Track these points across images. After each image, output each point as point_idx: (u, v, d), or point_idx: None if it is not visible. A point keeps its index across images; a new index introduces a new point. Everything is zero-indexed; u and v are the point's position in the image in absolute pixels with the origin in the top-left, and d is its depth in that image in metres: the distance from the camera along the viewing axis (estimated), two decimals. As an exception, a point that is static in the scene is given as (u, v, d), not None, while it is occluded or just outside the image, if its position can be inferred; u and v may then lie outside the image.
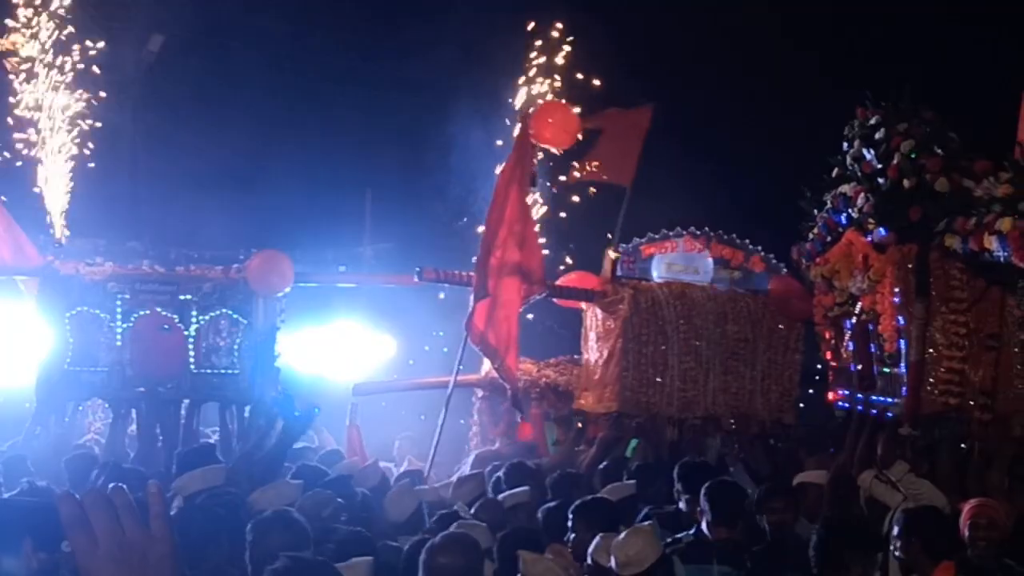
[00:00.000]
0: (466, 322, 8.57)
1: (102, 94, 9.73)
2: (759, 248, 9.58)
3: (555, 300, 9.75)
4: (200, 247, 10.58)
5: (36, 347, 9.16)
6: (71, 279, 9.09)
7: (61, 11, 9.71)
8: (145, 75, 10.08)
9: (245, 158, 13.65)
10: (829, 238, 7.88)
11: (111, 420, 9.19)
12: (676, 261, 9.41)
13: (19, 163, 9.88)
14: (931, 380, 7.13)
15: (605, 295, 9.03)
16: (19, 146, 9.83)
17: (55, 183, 9.63)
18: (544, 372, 10.44)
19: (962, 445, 7.39)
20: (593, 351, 9.30)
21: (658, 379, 8.92)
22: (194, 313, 9.27)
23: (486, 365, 10.58)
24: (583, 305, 9.52)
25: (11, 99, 9.57)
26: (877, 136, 7.29)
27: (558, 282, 9.74)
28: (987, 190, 6.68)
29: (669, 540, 5.51)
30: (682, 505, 6.37)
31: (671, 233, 9.46)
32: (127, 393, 9.05)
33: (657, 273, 9.35)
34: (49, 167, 9.68)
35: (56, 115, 9.68)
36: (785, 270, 9.30)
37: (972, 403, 7.10)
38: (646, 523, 5.24)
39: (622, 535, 4.82)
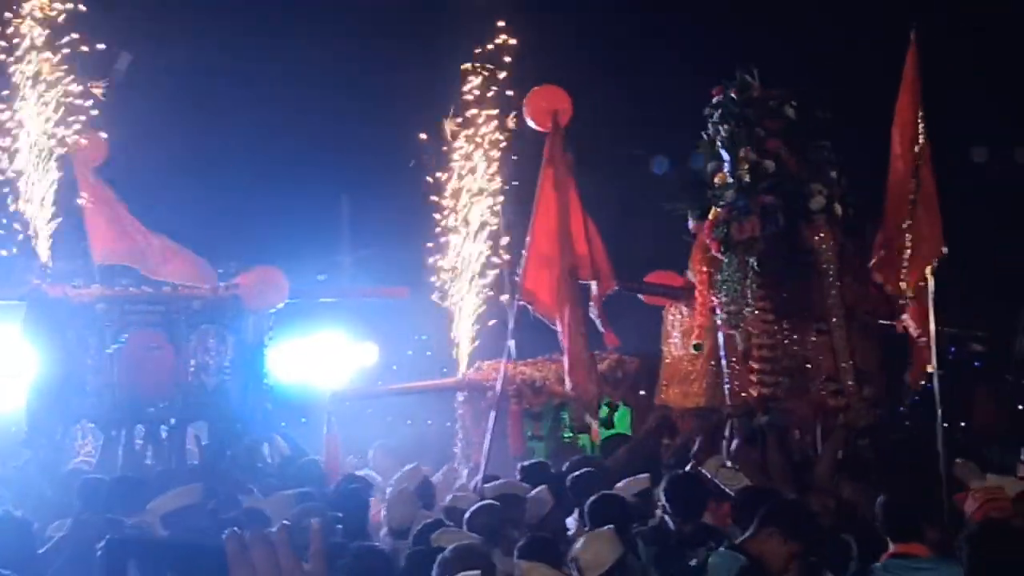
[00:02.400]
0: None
1: (81, 117, 9.65)
2: None
3: (641, 296, 9.94)
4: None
5: (24, 371, 9.14)
6: (59, 302, 9.07)
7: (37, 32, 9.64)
8: (114, 92, 9.97)
9: (217, 167, 13.57)
10: None
11: (102, 442, 9.17)
12: None
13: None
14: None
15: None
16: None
17: (38, 205, 9.56)
18: (520, 369, 10.59)
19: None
20: (678, 347, 9.47)
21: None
22: (183, 331, 9.28)
23: (463, 368, 10.80)
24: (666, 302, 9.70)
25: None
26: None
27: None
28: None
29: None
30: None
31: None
32: (117, 415, 9.07)
33: None
34: (32, 188, 9.60)
35: (37, 136, 9.61)
36: None
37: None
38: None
39: (580, 540, 5.04)
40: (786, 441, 7.58)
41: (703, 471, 6.76)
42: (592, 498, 5.93)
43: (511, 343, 9.35)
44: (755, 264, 7.69)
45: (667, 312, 9.67)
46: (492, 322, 10.90)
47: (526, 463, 7.70)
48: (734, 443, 7.42)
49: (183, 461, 9.26)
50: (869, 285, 7.89)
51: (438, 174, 10.68)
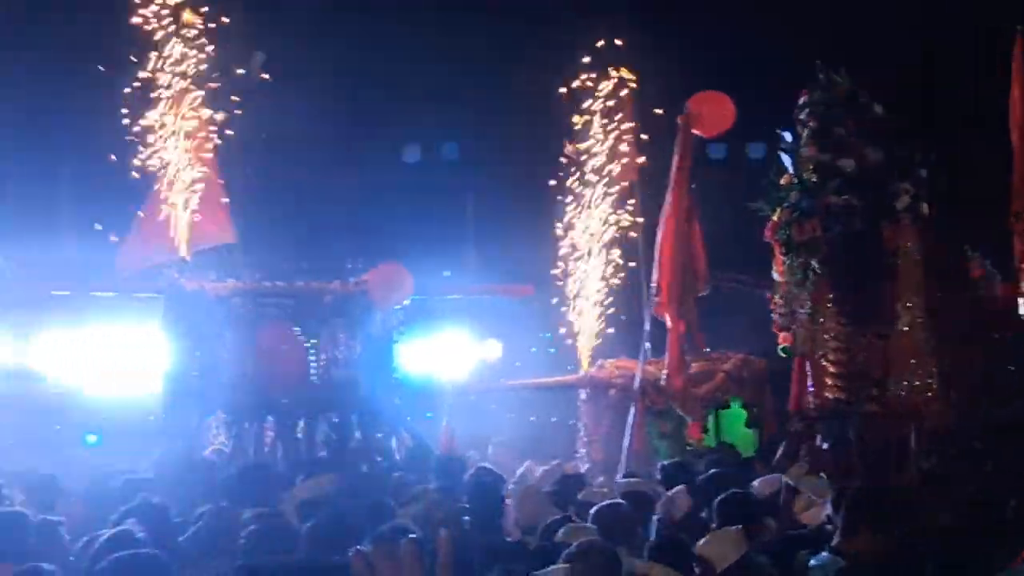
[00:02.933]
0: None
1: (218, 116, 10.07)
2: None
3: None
4: (311, 259, 11.06)
5: (161, 362, 9.57)
6: (196, 295, 9.45)
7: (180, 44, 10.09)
8: (251, 93, 10.41)
9: (346, 167, 14.02)
10: None
11: (235, 433, 9.50)
12: None
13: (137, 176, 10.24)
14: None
15: None
16: (139, 163, 10.21)
17: (179, 202, 9.99)
18: (646, 369, 10.63)
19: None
20: None
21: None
22: (314, 325, 9.58)
23: (585, 366, 10.92)
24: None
25: (133, 121, 9.96)
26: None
27: None
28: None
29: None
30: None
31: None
32: (250, 406, 9.41)
33: None
34: (173, 187, 10.04)
35: (179, 137, 10.05)
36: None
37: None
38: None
39: (706, 537, 5.05)
40: (867, 444, 7.56)
41: (786, 480, 6.61)
42: (721, 496, 5.89)
43: (647, 345, 9.51)
44: (816, 266, 7.72)
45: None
46: (621, 317, 11.06)
47: (666, 463, 7.67)
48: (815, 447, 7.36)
49: (313, 452, 9.53)
50: (962, 290, 7.95)
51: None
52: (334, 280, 9.80)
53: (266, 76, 11.01)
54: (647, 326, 9.59)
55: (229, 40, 10.30)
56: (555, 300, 11.09)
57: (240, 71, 10.39)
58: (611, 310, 11.00)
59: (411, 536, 1.71)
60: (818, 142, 7.94)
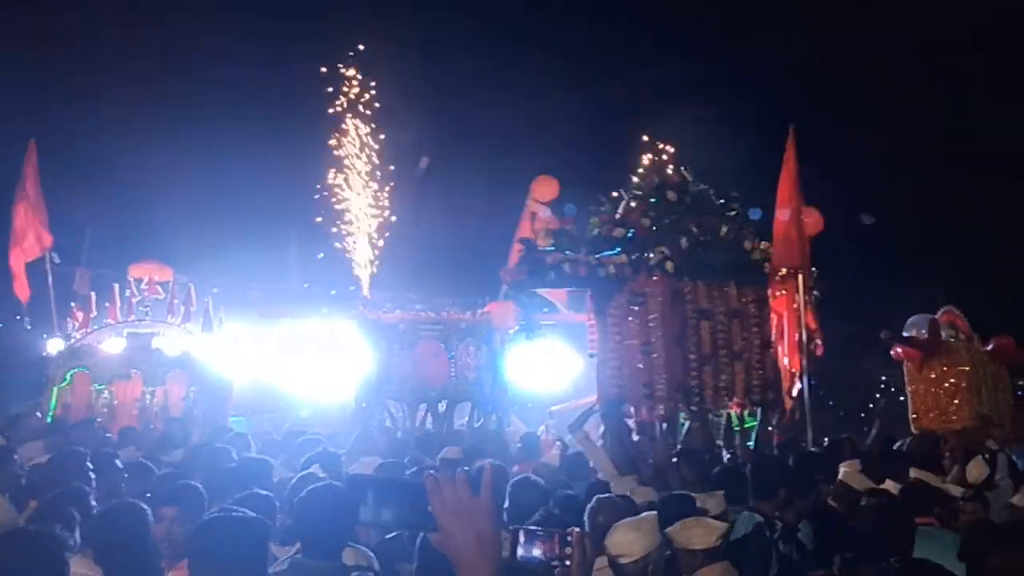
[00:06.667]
0: None
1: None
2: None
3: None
4: (450, 295, 15.26)
5: (357, 369, 14.01)
6: (375, 322, 13.91)
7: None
8: (420, 180, 14.79)
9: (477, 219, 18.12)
10: None
11: (406, 415, 13.82)
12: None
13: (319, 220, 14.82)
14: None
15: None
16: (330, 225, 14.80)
17: (362, 254, 14.50)
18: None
19: None
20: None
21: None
22: (454, 342, 13.92)
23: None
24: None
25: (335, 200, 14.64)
26: None
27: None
28: None
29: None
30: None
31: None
32: (411, 396, 13.77)
33: None
34: (357, 243, 14.57)
35: (364, 207, 14.60)
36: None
37: None
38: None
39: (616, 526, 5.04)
40: None
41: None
42: (717, 469, 7.57)
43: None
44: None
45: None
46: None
47: None
48: None
49: (452, 428, 13.73)
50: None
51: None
52: (467, 312, 14.11)
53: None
54: None
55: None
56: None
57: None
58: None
59: (463, 469, 2.62)
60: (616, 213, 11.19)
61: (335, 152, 15.08)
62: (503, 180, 17.83)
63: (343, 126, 14.99)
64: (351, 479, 3.09)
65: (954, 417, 11.35)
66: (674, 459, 8.60)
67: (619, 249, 10.99)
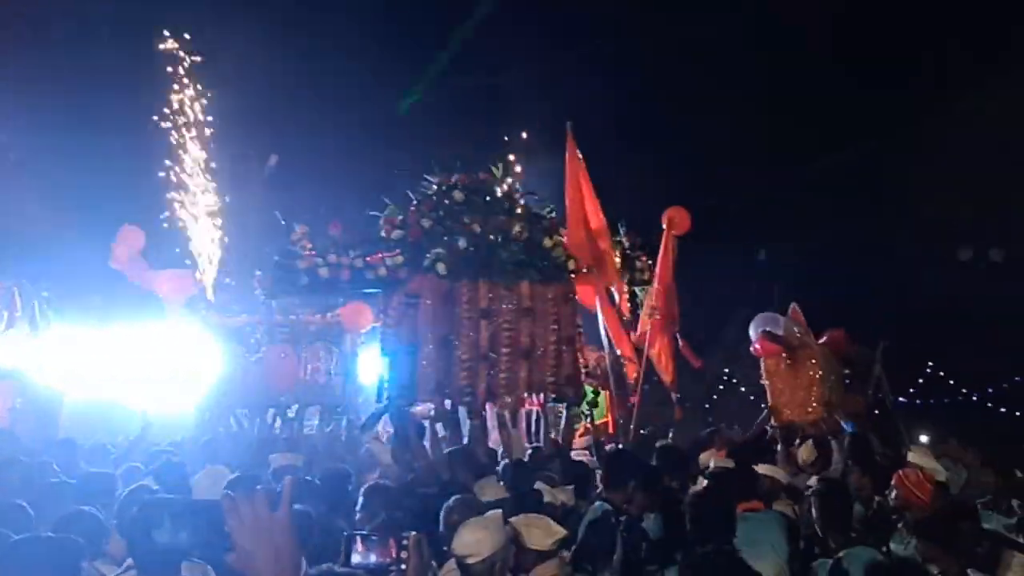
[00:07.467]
0: None
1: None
2: None
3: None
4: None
5: (202, 374, 13.55)
6: (220, 325, 13.50)
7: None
8: (266, 181, 14.47)
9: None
10: None
11: (253, 420, 13.39)
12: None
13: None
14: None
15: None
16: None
17: (204, 253, 14.08)
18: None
19: None
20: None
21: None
22: (303, 345, 13.62)
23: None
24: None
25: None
26: None
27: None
28: None
29: None
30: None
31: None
32: (261, 402, 13.40)
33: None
34: (202, 244, 14.14)
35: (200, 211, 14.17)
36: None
37: None
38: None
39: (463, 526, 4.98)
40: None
41: None
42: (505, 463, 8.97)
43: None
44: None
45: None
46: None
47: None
48: None
49: (301, 432, 13.42)
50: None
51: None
52: (317, 314, 13.83)
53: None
54: None
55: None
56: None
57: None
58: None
59: (259, 487, 2.56)
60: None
61: (178, 152, 14.58)
62: (351, 178, 17.81)
63: (180, 126, 14.50)
64: (145, 503, 3.20)
65: (810, 409, 11.78)
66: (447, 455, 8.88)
67: (398, 250, 10.97)
